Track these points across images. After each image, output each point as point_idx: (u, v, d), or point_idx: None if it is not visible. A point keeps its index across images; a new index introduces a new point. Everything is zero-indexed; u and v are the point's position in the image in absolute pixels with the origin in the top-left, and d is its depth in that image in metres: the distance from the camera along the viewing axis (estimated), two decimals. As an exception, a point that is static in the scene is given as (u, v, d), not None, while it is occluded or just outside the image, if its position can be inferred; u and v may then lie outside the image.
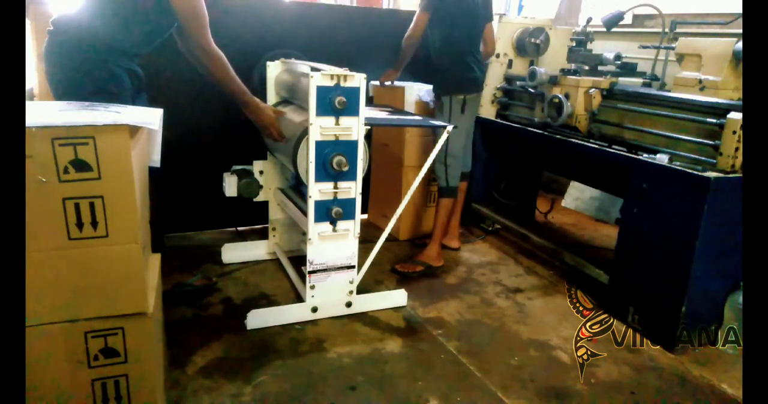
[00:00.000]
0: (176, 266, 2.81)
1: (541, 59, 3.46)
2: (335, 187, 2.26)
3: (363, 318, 2.45)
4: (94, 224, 1.39)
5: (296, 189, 2.78)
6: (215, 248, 2.95)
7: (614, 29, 3.14)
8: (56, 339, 1.43)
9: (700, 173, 2.15)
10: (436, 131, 2.92)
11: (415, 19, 2.84)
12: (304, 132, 2.23)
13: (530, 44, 3.35)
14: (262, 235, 3.16)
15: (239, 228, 3.41)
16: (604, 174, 2.78)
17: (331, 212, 2.27)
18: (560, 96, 2.84)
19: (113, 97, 1.90)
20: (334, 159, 2.19)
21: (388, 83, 3.25)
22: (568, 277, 2.98)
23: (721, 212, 2.12)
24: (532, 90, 3.10)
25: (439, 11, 2.80)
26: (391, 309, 2.54)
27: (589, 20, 3.05)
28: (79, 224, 1.38)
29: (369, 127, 2.26)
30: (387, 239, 2.49)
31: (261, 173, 2.77)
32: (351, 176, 2.26)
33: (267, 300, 2.57)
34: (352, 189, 2.29)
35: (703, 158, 2.29)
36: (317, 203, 2.25)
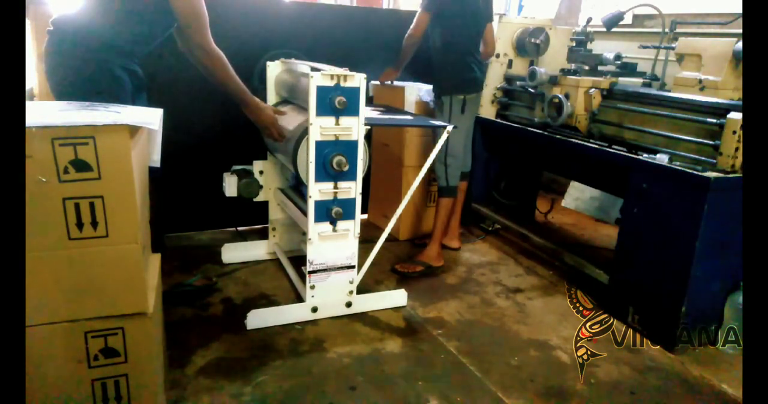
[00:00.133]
0: (176, 266, 2.81)
1: (541, 59, 3.46)
2: (335, 187, 2.26)
3: (363, 318, 2.45)
4: (94, 224, 1.39)
5: (296, 189, 2.78)
6: (215, 248, 2.95)
7: (614, 29, 3.14)
8: (56, 339, 1.43)
9: (700, 173, 2.15)
10: (436, 131, 2.92)
11: (416, 18, 2.84)
12: (304, 132, 2.23)
13: (530, 44, 3.35)
14: (262, 235, 3.16)
15: (239, 228, 3.41)
16: (604, 174, 2.78)
17: (331, 212, 2.27)
18: (560, 96, 2.84)
19: (113, 97, 1.90)
20: (334, 159, 2.19)
21: (387, 82, 3.25)
22: (568, 277, 2.98)
23: (721, 212, 2.12)
24: (532, 90, 3.10)
25: (441, 11, 2.80)
26: (391, 308, 2.54)
27: (589, 20, 3.05)
28: (79, 224, 1.38)
29: (369, 127, 2.26)
30: (387, 239, 2.49)
31: (261, 173, 2.77)
32: (351, 176, 2.26)
33: (267, 300, 2.57)
34: (352, 189, 2.29)
35: (703, 158, 2.29)
36: (317, 203, 2.25)
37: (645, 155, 2.46)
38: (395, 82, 3.29)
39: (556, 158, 3.20)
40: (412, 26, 2.86)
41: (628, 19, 3.44)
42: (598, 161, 2.72)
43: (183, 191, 3.13)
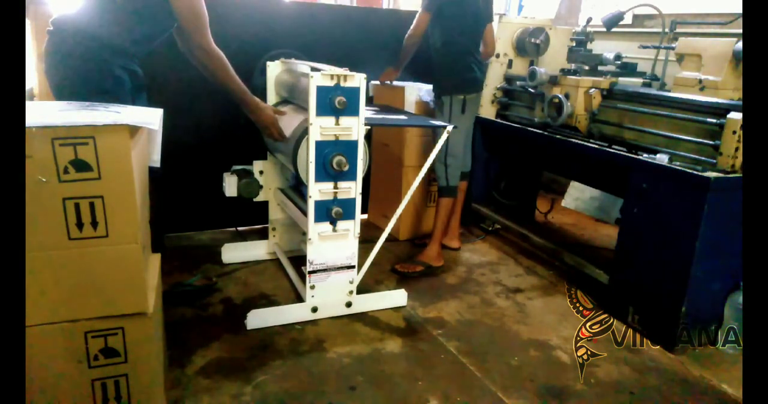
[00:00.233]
0: (176, 266, 2.81)
1: (541, 59, 3.46)
2: (335, 187, 2.26)
3: (363, 318, 2.45)
4: (94, 224, 1.39)
5: (296, 189, 2.78)
6: (215, 248, 2.95)
7: (614, 29, 3.14)
8: (56, 339, 1.43)
9: (700, 173, 2.15)
10: (436, 131, 2.92)
11: (416, 18, 2.84)
12: (304, 132, 2.23)
13: (530, 44, 3.35)
14: (262, 235, 3.16)
15: (239, 228, 3.41)
16: (604, 174, 2.78)
17: (331, 212, 2.27)
18: (560, 96, 2.84)
19: (113, 97, 1.90)
20: (334, 159, 2.19)
21: (387, 82, 3.25)
22: (568, 277, 2.98)
23: (721, 212, 2.12)
24: (532, 90, 3.10)
25: (441, 11, 2.80)
26: (391, 308, 2.54)
27: (589, 20, 3.05)
28: (79, 224, 1.38)
29: (369, 127, 2.26)
30: (387, 239, 2.49)
31: (261, 173, 2.77)
32: (351, 176, 2.26)
33: (267, 300, 2.57)
34: (352, 189, 2.29)
35: (703, 158, 2.29)
36: (317, 203, 2.25)
37: (645, 155, 2.46)
38: (395, 82, 3.29)
39: (556, 158, 3.20)
40: (412, 26, 2.86)
41: (628, 19, 3.44)
42: (598, 161, 2.72)
43: (183, 191, 3.13)
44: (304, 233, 2.38)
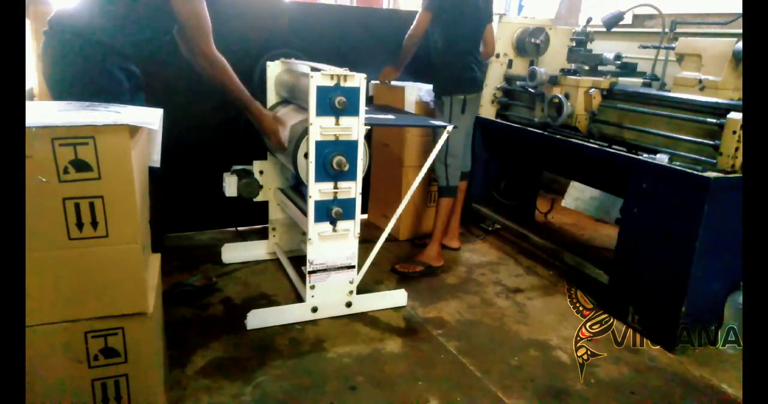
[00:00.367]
0: (176, 266, 2.81)
1: (541, 59, 3.46)
2: (335, 187, 2.26)
3: (363, 318, 2.45)
4: (94, 224, 1.39)
5: (296, 189, 2.78)
6: (215, 248, 2.95)
7: (614, 29, 3.14)
8: (56, 339, 1.43)
9: (700, 173, 2.15)
10: (436, 131, 2.92)
11: (417, 18, 2.84)
12: (304, 132, 2.23)
13: (530, 44, 3.35)
14: (262, 235, 3.16)
15: (239, 228, 3.41)
16: (604, 174, 2.78)
17: (331, 212, 2.27)
18: (560, 96, 2.84)
19: (110, 96, 1.89)
20: (334, 159, 2.19)
21: (387, 82, 3.24)
22: (568, 277, 2.98)
23: (721, 212, 2.12)
24: (532, 90, 3.10)
25: (442, 11, 2.80)
26: (391, 309, 2.54)
27: (589, 20, 3.05)
28: (79, 225, 1.38)
29: (369, 127, 2.26)
30: (387, 239, 2.49)
31: (261, 173, 2.77)
32: (351, 176, 2.26)
33: (267, 300, 2.57)
34: (352, 189, 2.29)
35: (703, 158, 2.29)
36: (317, 203, 2.25)
37: (645, 155, 2.46)
38: (395, 82, 3.29)
39: (556, 158, 3.20)
40: (412, 26, 2.86)
41: (628, 19, 3.44)
42: (598, 161, 2.72)
43: (183, 191, 3.12)
44: (304, 233, 2.38)
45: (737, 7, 2.93)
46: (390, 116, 2.71)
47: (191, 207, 3.23)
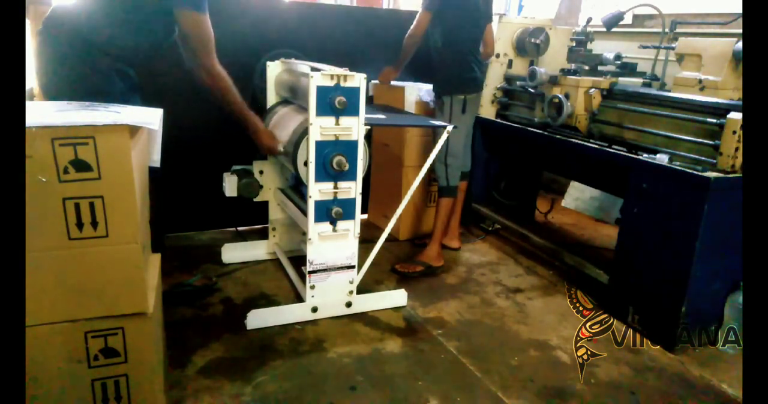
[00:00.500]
0: (176, 266, 2.81)
1: (541, 59, 3.46)
2: (335, 187, 2.26)
3: (363, 318, 2.45)
4: (94, 224, 1.39)
5: (296, 189, 2.78)
6: (215, 248, 2.95)
7: (614, 29, 3.14)
8: (56, 339, 1.43)
9: (700, 173, 2.15)
10: (436, 131, 2.92)
11: (417, 18, 2.84)
12: (304, 132, 2.23)
13: (530, 44, 3.35)
14: (262, 235, 3.16)
15: (239, 228, 3.41)
16: (604, 174, 2.78)
17: (331, 212, 2.27)
18: (560, 96, 2.84)
19: (104, 95, 1.89)
20: (334, 159, 2.19)
21: (387, 82, 3.25)
22: (568, 277, 2.98)
23: (721, 212, 2.12)
24: (532, 90, 3.10)
25: (442, 11, 2.80)
26: (391, 309, 2.54)
27: (589, 20, 3.05)
28: (79, 224, 1.38)
29: (369, 127, 2.26)
30: (387, 239, 2.49)
31: (261, 173, 2.77)
32: (351, 176, 2.26)
33: (267, 300, 2.57)
34: (352, 189, 2.29)
35: (703, 158, 2.29)
36: (317, 203, 2.25)
37: (645, 155, 2.46)
38: (395, 82, 3.28)
39: (556, 158, 3.20)
40: (412, 26, 2.86)
41: (628, 19, 3.44)
42: (598, 161, 2.72)
43: (183, 191, 3.12)
44: (304, 233, 2.38)
45: (737, 7, 2.93)
46: (389, 116, 2.71)
47: (191, 207, 3.23)
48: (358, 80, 2.15)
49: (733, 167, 2.17)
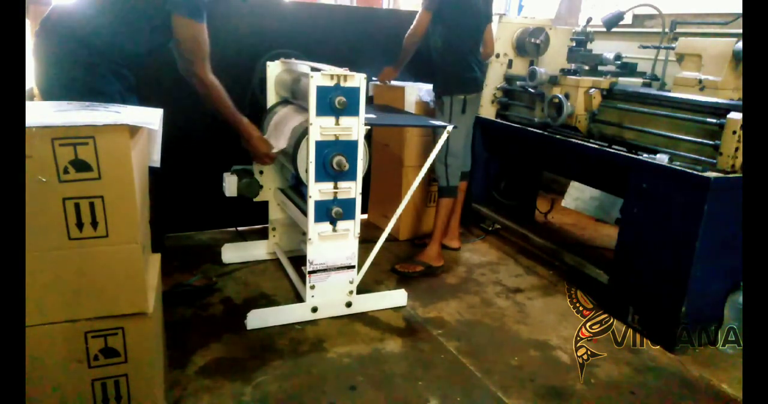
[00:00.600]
0: (176, 266, 2.81)
1: (541, 59, 3.45)
2: (335, 187, 2.26)
3: (363, 318, 2.45)
4: (94, 224, 1.39)
5: (296, 189, 2.78)
6: (215, 248, 2.95)
7: (614, 29, 3.14)
8: (56, 339, 1.43)
9: (700, 173, 2.15)
10: (436, 131, 2.91)
11: (417, 18, 2.84)
12: (304, 132, 2.23)
13: (530, 44, 3.35)
14: (262, 235, 3.16)
15: (239, 228, 3.41)
16: (604, 174, 2.78)
17: (331, 212, 2.27)
18: (560, 96, 2.84)
19: (102, 95, 1.89)
20: (334, 159, 2.19)
21: (386, 82, 3.24)
22: (568, 277, 2.98)
23: (721, 212, 2.12)
24: (532, 90, 3.10)
25: (442, 11, 2.80)
26: (391, 309, 2.54)
27: (589, 20, 3.05)
28: (79, 224, 1.38)
29: (369, 127, 2.26)
30: (387, 239, 2.49)
31: (261, 173, 2.77)
32: (351, 176, 2.26)
33: (267, 300, 2.57)
34: (352, 189, 2.29)
35: (703, 158, 2.29)
36: (317, 203, 2.25)
37: (645, 155, 2.46)
38: (395, 82, 3.28)
39: (556, 158, 3.20)
40: (412, 25, 2.86)
41: (628, 19, 3.44)
42: (598, 161, 2.72)
43: (183, 191, 3.12)
44: (304, 233, 2.38)
45: (737, 7, 2.93)
46: (389, 116, 2.71)
47: (191, 207, 3.23)
48: (358, 80, 2.15)
49: (733, 167, 2.16)
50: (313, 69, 2.18)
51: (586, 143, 2.76)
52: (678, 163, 2.31)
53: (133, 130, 1.41)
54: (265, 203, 2.90)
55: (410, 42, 2.91)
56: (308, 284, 2.35)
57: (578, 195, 4.01)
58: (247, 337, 2.24)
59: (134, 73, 2.15)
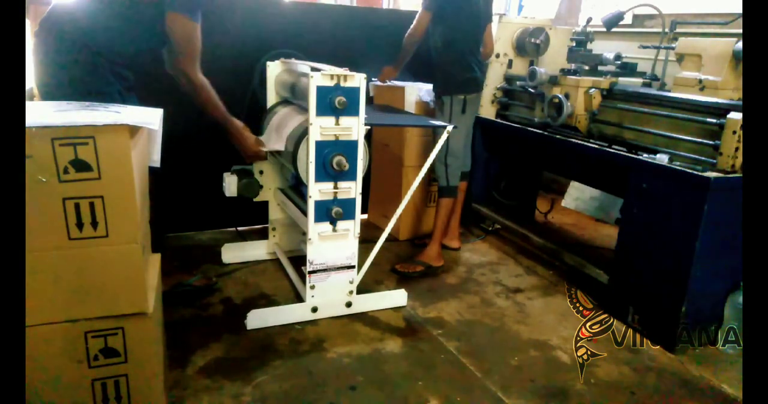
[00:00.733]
0: (176, 266, 2.81)
1: (541, 59, 3.46)
2: (335, 187, 2.26)
3: (363, 318, 2.45)
4: (94, 224, 1.39)
5: (296, 189, 2.78)
6: (215, 248, 2.95)
7: (614, 29, 3.14)
8: (56, 339, 1.43)
9: (700, 173, 2.15)
10: (436, 131, 2.91)
11: (417, 17, 2.84)
12: (304, 132, 2.23)
13: (530, 44, 3.35)
14: (262, 235, 3.16)
15: (239, 228, 3.41)
16: (604, 174, 2.78)
17: (331, 212, 2.27)
18: (560, 96, 2.84)
19: (101, 96, 1.89)
20: (334, 159, 2.19)
21: (386, 81, 3.25)
22: (568, 277, 2.98)
23: (721, 212, 2.12)
24: (532, 90, 3.10)
25: (442, 10, 2.80)
26: (391, 309, 2.54)
27: (589, 20, 3.05)
28: (79, 224, 1.38)
29: (369, 127, 2.26)
30: (387, 239, 2.49)
31: (261, 173, 2.77)
32: (351, 176, 2.26)
33: (267, 300, 2.57)
34: (352, 189, 2.29)
35: (703, 158, 2.29)
36: (317, 203, 2.25)
37: (645, 155, 2.46)
38: (395, 82, 3.28)
39: (556, 158, 3.20)
40: (412, 25, 2.86)
41: (628, 19, 3.44)
42: (598, 161, 2.72)
43: (183, 191, 3.12)
44: (304, 233, 2.38)
45: (737, 7, 2.93)
46: (389, 116, 2.71)
47: (191, 207, 3.23)
48: (358, 80, 2.15)
49: (733, 167, 2.17)
50: (313, 69, 2.18)
51: (586, 143, 2.76)
52: (678, 163, 2.31)
53: (133, 130, 1.41)
54: (265, 203, 2.90)
55: (410, 42, 2.91)
56: (308, 284, 2.35)
57: (578, 195, 4.01)
58: (247, 337, 2.24)
59: (134, 73, 2.15)
